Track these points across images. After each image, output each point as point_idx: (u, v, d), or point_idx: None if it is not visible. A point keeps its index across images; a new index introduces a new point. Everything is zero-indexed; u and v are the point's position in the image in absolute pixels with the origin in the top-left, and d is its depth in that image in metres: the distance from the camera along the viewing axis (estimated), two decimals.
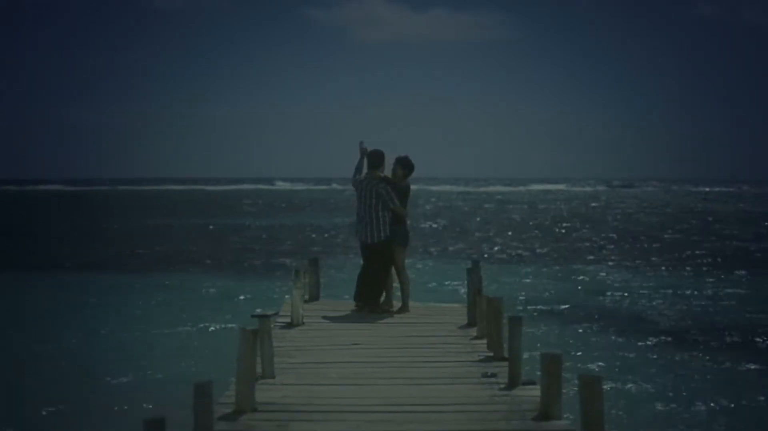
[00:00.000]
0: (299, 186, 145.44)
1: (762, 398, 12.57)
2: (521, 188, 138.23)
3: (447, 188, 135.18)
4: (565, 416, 6.76)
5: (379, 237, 11.65)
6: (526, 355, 8.55)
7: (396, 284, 12.15)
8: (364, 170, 11.88)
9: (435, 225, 49.01)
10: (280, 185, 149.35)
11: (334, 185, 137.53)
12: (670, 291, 22.72)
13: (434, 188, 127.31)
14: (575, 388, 6.21)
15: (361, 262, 12.12)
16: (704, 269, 27.90)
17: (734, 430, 11.20)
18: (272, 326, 8.69)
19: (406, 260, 12.18)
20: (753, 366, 14.47)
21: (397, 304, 12.00)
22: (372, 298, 11.87)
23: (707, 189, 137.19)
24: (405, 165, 11.94)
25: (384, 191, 11.54)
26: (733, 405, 12.09)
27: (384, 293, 12.02)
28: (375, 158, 11.77)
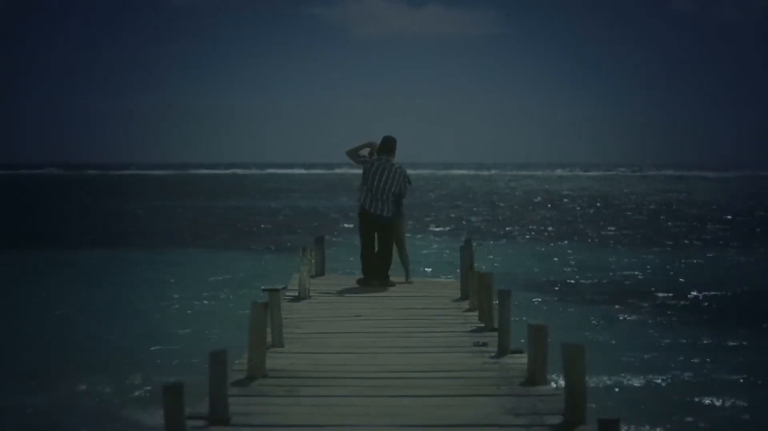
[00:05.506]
0: (302, 171, 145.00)
1: (743, 366, 12.54)
2: (513, 173, 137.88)
3: (441, 172, 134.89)
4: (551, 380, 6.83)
5: (391, 213, 11.72)
6: (517, 322, 8.61)
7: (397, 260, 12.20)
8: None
9: (432, 208, 48.96)
10: (285, 171, 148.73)
11: (341, 170, 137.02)
12: (656, 268, 22.71)
13: (422, 172, 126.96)
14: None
15: (362, 240, 12.07)
16: (689, 246, 27.92)
17: (713, 398, 11.20)
18: (281, 299, 8.74)
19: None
20: (736, 340, 14.34)
21: (399, 278, 12.07)
22: (385, 271, 11.89)
23: (676, 173, 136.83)
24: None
25: (406, 178, 11.73)
26: (713, 375, 12.03)
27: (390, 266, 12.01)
28: (390, 144, 11.82)
